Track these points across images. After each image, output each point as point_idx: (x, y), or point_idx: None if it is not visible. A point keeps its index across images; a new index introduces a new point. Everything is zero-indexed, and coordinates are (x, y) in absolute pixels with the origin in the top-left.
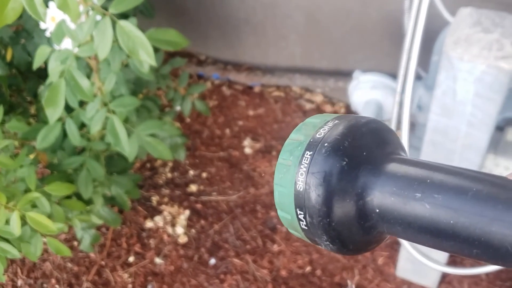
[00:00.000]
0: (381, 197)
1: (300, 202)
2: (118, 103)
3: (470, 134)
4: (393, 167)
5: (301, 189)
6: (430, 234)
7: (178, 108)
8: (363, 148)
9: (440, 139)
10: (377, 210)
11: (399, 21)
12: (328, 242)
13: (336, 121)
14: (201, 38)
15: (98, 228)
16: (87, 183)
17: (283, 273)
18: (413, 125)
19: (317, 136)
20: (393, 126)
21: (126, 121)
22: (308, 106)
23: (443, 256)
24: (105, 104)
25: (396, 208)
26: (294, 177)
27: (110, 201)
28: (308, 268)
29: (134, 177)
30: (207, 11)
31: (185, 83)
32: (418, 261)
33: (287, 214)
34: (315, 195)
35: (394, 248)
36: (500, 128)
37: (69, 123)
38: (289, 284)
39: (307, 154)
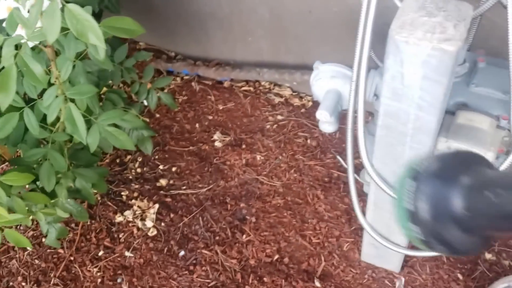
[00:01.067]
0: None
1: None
2: (75, 91)
3: (420, 117)
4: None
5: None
6: None
7: (145, 102)
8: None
9: (392, 122)
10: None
11: (358, 15)
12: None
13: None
14: (170, 35)
15: (67, 223)
16: (50, 175)
17: (252, 262)
18: (373, 114)
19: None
20: (349, 114)
21: (89, 112)
22: (277, 100)
23: (403, 240)
24: (63, 93)
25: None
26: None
27: (75, 194)
28: (276, 257)
29: (100, 171)
30: (175, 7)
31: (150, 76)
32: (381, 246)
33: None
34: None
35: (359, 234)
36: (452, 113)
37: (27, 113)
38: (258, 273)
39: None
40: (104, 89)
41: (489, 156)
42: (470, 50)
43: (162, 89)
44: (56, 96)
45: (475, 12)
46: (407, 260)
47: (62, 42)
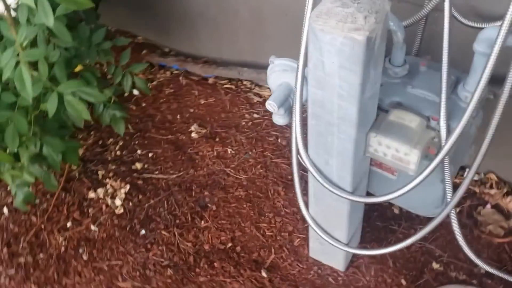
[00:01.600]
0: None
1: None
2: (27, 54)
3: (342, 106)
4: None
5: None
6: None
7: (136, 92)
8: None
9: (319, 111)
10: None
11: None
12: None
13: None
14: (165, 32)
15: (43, 193)
16: (14, 137)
17: (206, 247)
18: None
19: None
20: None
21: (53, 81)
22: (255, 99)
23: (343, 236)
24: (17, 55)
25: None
26: None
27: (42, 160)
28: (229, 245)
29: (72, 144)
30: (167, 4)
31: (126, 61)
32: (326, 242)
33: None
34: None
35: None
36: (386, 111)
37: None
38: (210, 258)
39: None
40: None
41: (414, 153)
42: (418, 55)
43: (152, 80)
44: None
45: (418, 15)
46: (353, 260)
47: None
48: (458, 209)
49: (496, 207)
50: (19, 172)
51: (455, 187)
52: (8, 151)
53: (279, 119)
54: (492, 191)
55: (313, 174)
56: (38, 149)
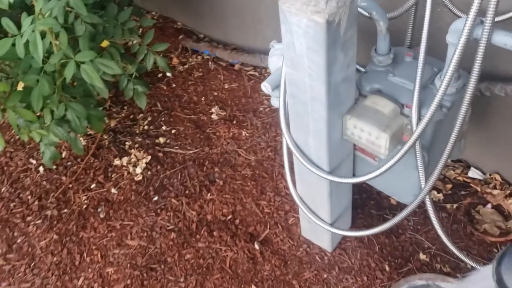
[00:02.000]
0: None
1: None
2: (42, 22)
3: (313, 86)
4: None
5: None
6: None
7: (169, 74)
8: None
9: (295, 91)
10: None
11: None
12: None
13: None
14: (200, 19)
15: (75, 157)
16: (38, 98)
17: (209, 217)
18: None
19: None
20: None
21: (75, 50)
22: None
23: (327, 216)
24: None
25: None
26: None
27: (66, 123)
28: (230, 217)
29: (96, 112)
30: None
31: (149, 39)
32: (313, 221)
33: None
34: None
35: None
36: (364, 96)
37: (18, 39)
38: (210, 227)
39: None
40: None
41: (383, 137)
42: (411, 46)
43: (185, 63)
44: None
45: (405, 5)
46: (341, 243)
47: None
48: (455, 205)
49: (497, 208)
50: (45, 132)
51: (459, 184)
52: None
53: (275, 101)
54: (495, 192)
55: (294, 153)
56: (62, 113)
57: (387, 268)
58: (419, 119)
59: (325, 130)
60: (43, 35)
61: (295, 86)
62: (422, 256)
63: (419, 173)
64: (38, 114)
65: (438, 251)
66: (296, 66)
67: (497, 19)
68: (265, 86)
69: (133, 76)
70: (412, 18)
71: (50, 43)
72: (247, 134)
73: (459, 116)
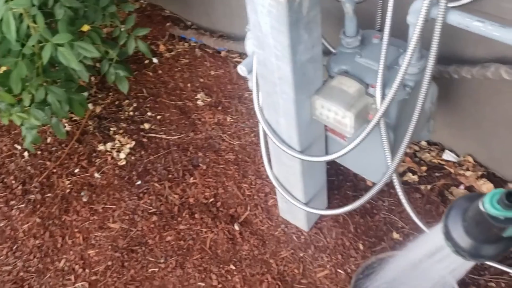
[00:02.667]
0: None
1: None
2: (14, 3)
3: (279, 66)
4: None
5: None
6: None
7: (155, 60)
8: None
9: (264, 71)
10: None
11: None
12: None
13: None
14: (187, 6)
15: (60, 143)
16: (17, 80)
17: (191, 200)
18: None
19: None
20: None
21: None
22: None
23: (302, 196)
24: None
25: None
26: None
27: (46, 106)
28: (211, 200)
29: (78, 96)
30: None
31: (130, 24)
32: (289, 201)
33: None
34: None
35: None
36: (332, 77)
37: None
38: (192, 210)
39: None
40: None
41: (348, 116)
42: (382, 29)
43: (171, 50)
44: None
45: None
46: (318, 222)
47: None
48: (429, 187)
49: (470, 189)
50: (26, 116)
51: (434, 166)
52: None
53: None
54: (468, 173)
55: (267, 132)
56: (43, 96)
57: (361, 247)
58: (383, 98)
59: (293, 110)
60: (19, 17)
61: (264, 66)
62: (395, 235)
63: (385, 152)
64: (19, 97)
65: (411, 230)
66: (263, 45)
67: (454, 4)
68: (241, 69)
69: (115, 60)
70: (381, 0)
71: (29, 26)
72: (231, 120)
73: (420, 95)
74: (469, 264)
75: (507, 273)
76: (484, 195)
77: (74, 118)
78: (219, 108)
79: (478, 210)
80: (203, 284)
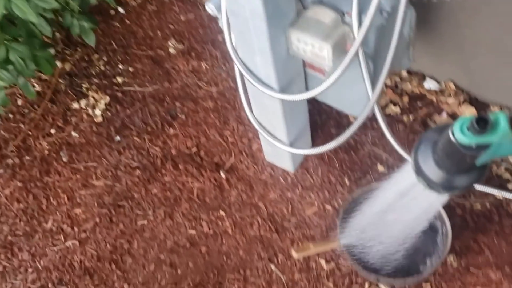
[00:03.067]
0: None
1: None
2: None
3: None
4: None
5: None
6: None
7: (122, 10)
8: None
9: (235, 8)
10: None
11: None
12: None
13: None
14: None
15: (32, 104)
16: None
17: (173, 152)
18: None
19: None
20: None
21: None
22: None
23: (285, 137)
24: None
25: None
26: None
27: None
28: (194, 149)
29: (43, 53)
30: None
31: None
32: (274, 145)
33: None
34: None
35: None
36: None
37: None
38: (175, 161)
39: None
40: None
41: (325, 47)
42: None
43: None
44: None
45: None
46: (303, 162)
47: None
48: (412, 117)
49: (452, 116)
50: None
51: (416, 96)
52: None
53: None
54: (450, 100)
55: (243, 74)
56: (4, 54)
57: (347, 182)
58: (360, 25)
59: (268, 46)
60: None
61: (234, 1)
62: (380, 168)
63: (365, 82)
64: None
65: (396, 161)
66: None
67: None
68: (209, 7)
69: (78, 12)
70: None
71: None
72: (207, 66)
73: (397, 19)
74: (444, 197)
75: (492, 194)
76: (453, 124)
77: (44, 78)
78: (193, 54)
79: (448, 141)
80: (194, 232)
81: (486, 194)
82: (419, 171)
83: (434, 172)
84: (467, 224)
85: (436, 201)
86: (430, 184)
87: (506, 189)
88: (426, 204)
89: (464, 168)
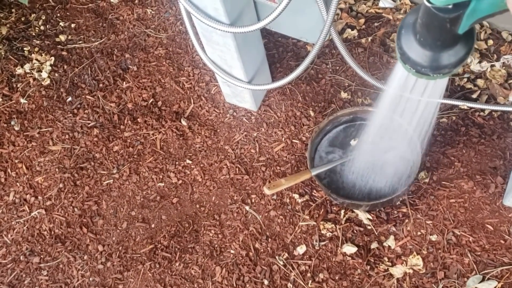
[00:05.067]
0: None
1: None
2: None
3: None
4: None
5: None
6: None
7: None
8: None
9: None
10: None
11: None
12: None
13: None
14: None
15: None
16: None
17: (129, 106)
18: None
19: None
20: None
21: None
22: None
23: (243, 75)
24: None
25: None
26: None
27: None
28: (151, 101)
29: None
30: None
31: None
32: (232, 84)
33: None
34: None
35: None
36: None
37: None
38: (133, 115)
39: None
40: None
41: None
42: None
43: None
44: None
45: None
46: (265, 100)
47: None
48: (370, 38)
49: None
50: None
51: (372, 17)
52: None
53: None
54: None
55: (189, 11)
56: None
57: (311, 113)
58: None
59: None
60: None
61: None
62: (343, 95)
63: (318, 5)
64: None
65: (359, 86)
66: None
67: None
68: None
69: None
70: None
71: None
72: (152, 12)
73: None
74: (438, 85)
75: (457, 106)
76: None
77: None
78: (136, 1)
79: (425, 11)
80: (162, 184)
81: (452, 107)
82: (404, 57)
83: (419, 54)
84: (435, 139)
85: (432, 90)
86: (418, 68)
87: (470, 99)
88: (425, 97)
89: (449, 41)
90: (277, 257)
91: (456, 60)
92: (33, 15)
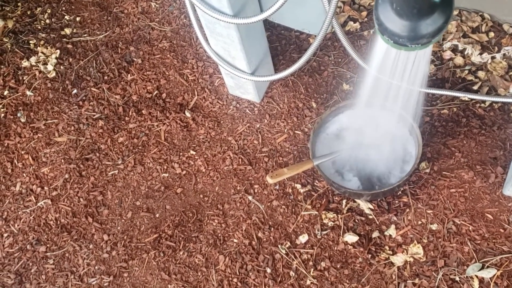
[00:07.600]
0: None
1: None
2: None
3: None
4: None
5: None
6: None
7: None
8: None
9: None
10: None
11: None
12: None
13: None
14: None
15: None
16: None
17: (134, 98)
18: None
19: None
20: None
21: None
22: None
23: (246, 66)
24: None
25: None
26: None
27: None
28: (155, 93)
29: None
30: None
31: None
32: (236, 76)
33: None
34: None
35: None
36: None
37: None
38: (138, 107)
39: None
40: None
41: None
42: None
43: None
44: None
45: None
46: (268, 91)
47: None
48: (372, 31)
49: None
50: None
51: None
52: None
53: None
54: None
55: (194, 3)
56: None
57: (314, 105)
58: None
59: None
60: None
61: None
62: (345, 87)
63: None
64: None
65: (360, 78)
66: None
67: None
68: None
69: None
70: None
71: None
72: (157, 6)
73: None
74: (421, 58)
75: (458, 98)
76: None
77: None
78: None
79: None
80: (167, 175)
81: (453, 99)
82: (381, 28)
83: (396, 24)
84: (436, 130)
85: (416, 63)
86: (396, 39)
87: (471, 91)
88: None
89: (425, 8)
90: (279, 246)
91: (434, 29)
92: (38, 9)
